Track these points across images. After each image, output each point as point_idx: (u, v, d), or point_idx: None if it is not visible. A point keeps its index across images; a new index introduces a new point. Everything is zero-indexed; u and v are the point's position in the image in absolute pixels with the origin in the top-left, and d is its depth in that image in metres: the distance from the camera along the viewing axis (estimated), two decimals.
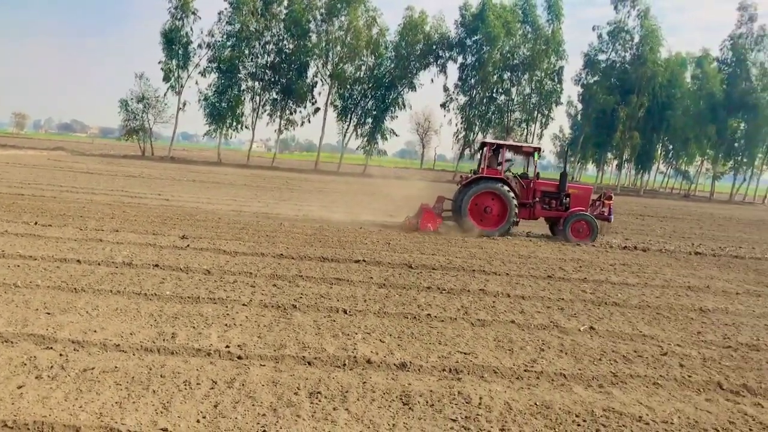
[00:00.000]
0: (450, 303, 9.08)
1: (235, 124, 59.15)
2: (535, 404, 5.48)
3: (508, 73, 61.07)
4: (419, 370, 6.15)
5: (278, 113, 59.59)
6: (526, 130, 63.04)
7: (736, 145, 66.53)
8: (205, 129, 59.28)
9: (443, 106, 61.66)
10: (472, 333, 7.62)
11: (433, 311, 8.48)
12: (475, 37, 59.41)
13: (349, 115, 60.69)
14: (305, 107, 59.84)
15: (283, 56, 58.77)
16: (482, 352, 6.89)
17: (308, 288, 9.36)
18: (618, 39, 61.52)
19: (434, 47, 59.43)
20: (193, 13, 57.77)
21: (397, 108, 60.94)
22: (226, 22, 57.53)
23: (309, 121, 60.53)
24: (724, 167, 68.15)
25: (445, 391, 5.60)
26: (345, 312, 8.11)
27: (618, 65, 62.35)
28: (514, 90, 61.65)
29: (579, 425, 5.14)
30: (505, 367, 6.39)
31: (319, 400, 5.23)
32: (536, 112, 62.14)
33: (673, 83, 63.92)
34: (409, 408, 5.22)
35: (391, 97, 60.53)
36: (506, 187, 17.66)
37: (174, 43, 57.37)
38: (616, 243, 18.01)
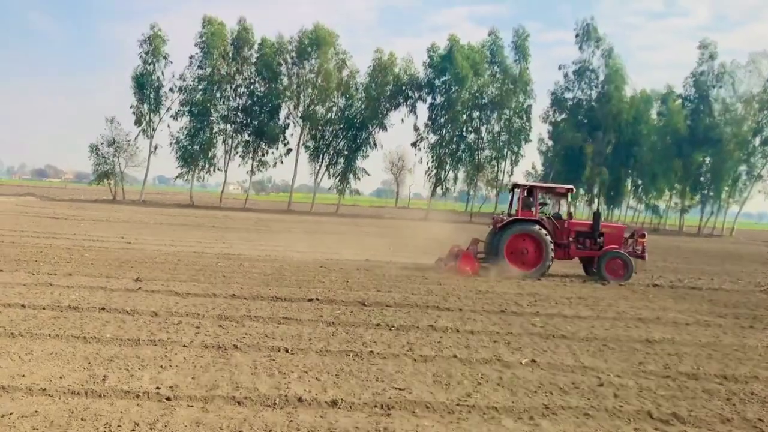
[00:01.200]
0: (396, 340, 9.08)
1: (207, 166, 59.19)
2: None
3: (477, 112, 62.07)
4: (350, 407, 6.13)
5: (250, 155, 59.77)
6: (496, 167, 63.82)
7: (702, 178, 67.76)
8: (177, 172, 59.16)
9: (414, 145, 62.45)
10: (412, 369, 7.62)
11: (377, 348, 8.48)
12: (444, 78, 60.43)
13: (321, 156, 61.10)
14: (277, 148, 60.17)
15: (255, 99, 59.25)
16: (418, 387, 6.89)
17: (254, 328, 9.31)
18: (584, 77, 63.01)
19: (404, 88, 60.32)
20: (165, 57, 58.28)
21: (368, 148, 61.62)
22: (197, 66, 58.10)
23: (281, 162, 60.92)
24: (691, 201, 69.31)
25: (372, 427, 5.59)
26: (286, 351, 8.07)
27: (584, 103, 63.71)
28: (483, 128, 62.68)
29: None
30: (438, 402, 6.39)
31: None
32: (506, 150, 63.02)
33: (639, 120, 65.25)
34: None
35: (362, 137, 61.14)
36: (542, 229, 17.89)
37: (145, 87, 57.61)
38: (574, 276, 18.20)
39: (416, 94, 61.18)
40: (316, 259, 19.25)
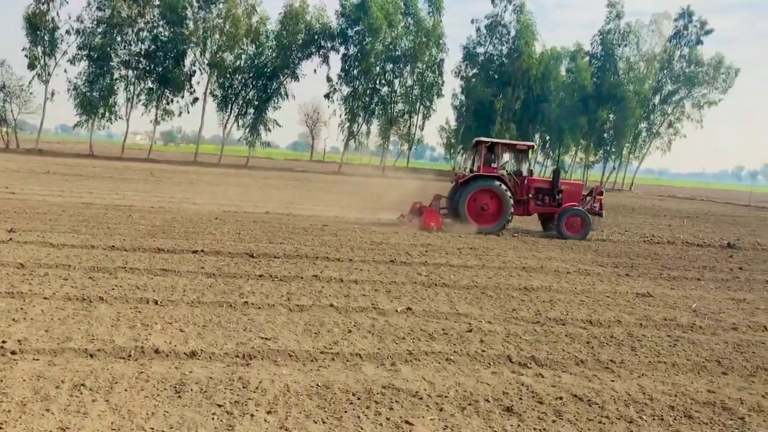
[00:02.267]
0: (276, 290, 8.95)
1: (108, 114, 56.34)
2: (317, 385, 5.45)
3: (391, 65, 61.61)
4: (210, 357, 5.98)
5: (154, 103, 57.30)
6: (409, 121, 63.94)
7: (605, 135, 70.29)
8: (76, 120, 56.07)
9: (327, 96, 61.52)
10: (285, 319, 7.53)
11: (253, 299, 8.33)
12: (357, 28, 59.49)
13: (230, 106, 59.33)
14: (183, 97, 57.91)
15: (159, 44, 56.50)
16: (286, 337, 6.81)
17: (126, 280, 8.95)
18: (495, 33, 63.53)
19: (316, 37, 59.01)
20: None
21: (280, 98, 60.20)
22: (96, 7, 54.59)
23: (188, 112, 58.80)
24: (595, 156, 72.01)
25: (225, 378, 5.47)
26: (156, 303, 7.80)
27: (495, 58, 64.38)
28: (396, 81, 62.35)
29: (351, 403, 5.15)
30: (302, 350, 6.33)
31: (81, 393, 4.95)
32: (419, 104, 63.12)
33: (548, 76, 66.65)
34: (179, 396, 5.04)
35: (273, 87, 59.68)
36: (503, 185, 17.94)
37: (39, 28, 53.84)
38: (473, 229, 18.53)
39: (329, 44, 60.03)
40: (213, 211, 18.77)
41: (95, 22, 54.81)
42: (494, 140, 19.12)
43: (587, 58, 70.21)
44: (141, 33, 56.43)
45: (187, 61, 57.67)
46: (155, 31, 56.70)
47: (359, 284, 9.75)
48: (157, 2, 55.80)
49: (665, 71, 67.53)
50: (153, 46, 56.59)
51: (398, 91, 62.48)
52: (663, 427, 5.12)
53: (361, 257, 12.19)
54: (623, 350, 7.21)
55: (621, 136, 68.39)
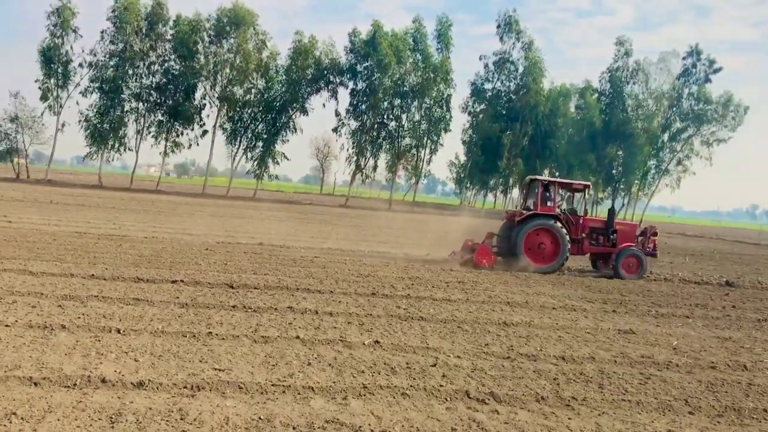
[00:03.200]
0: (245, 321, 8.84)
1: (117, 145, 56.96)
2: (258, 418, 5.32)
3: (399, 100, 62.04)
4: (157, 388, 5.87)
5: (164, 135, 57.88)
6: (416, 155, 64.11)
7: (614, 172, 70.15)
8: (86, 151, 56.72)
9: (335, 130, 61.90)
10: (246, 350, 7.41)
11: (219, 329, 8.22)
12: (366, 64, 60.07)
13: (239, 139, 59.81)
14: (193, 129, 58.48)
15: (170, 77, 57.31)
16: (241, 368, 6.68)
17: (95, 308, 8.88)
18: (503, 69, 64.00)
19: (325, 72, 59.63)
20: (74, 30, 55.58)
21: (288, 132, 60.60)
22: (109, 41, 55.61)
23: (197, 144, 59.31)
24: (603, 193, 71.77)
25: (165, 409, 5.35)
26: (118, 331, 7.72)
27: (503, 94, 64.77)
28: (404, 116, 62.71)
29: None
30: (254, 382, 6.20)
31: (10, 422, 4.86)
32: (426, 139, 63.35)
33: (556, 112, 66.86)
34: (111, 426, 4.93)
35: (282, 120, 60.15)
36: (560, 224, 17.91)
37: (53, 61, 54.85)
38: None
39: (338, 79, 60.60)
40: (206, 242, 18.75)
41: (108, 56, 55.77)
42: (550, 179, 19.12)
43: (596, 95, 70.52)
44: (152, 66, 57.30)
45: (198, 95, 58.43)
46: (166, 65, 57.57)
47: (333, 316, 9.62)
48: (169, 37, 56.77)
49: (674, 109, 67.50)
50: (164, 80, 57.41)
51: (406, 126, 62.78)
52: None
53: (343, 289, 12.07)
54: (590, 387, 7.02)
55: (630, 172, 68.23)
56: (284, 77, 59.41)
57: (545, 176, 18.74)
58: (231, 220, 29.35)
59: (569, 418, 5.95)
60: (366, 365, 7.16)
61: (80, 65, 55.79)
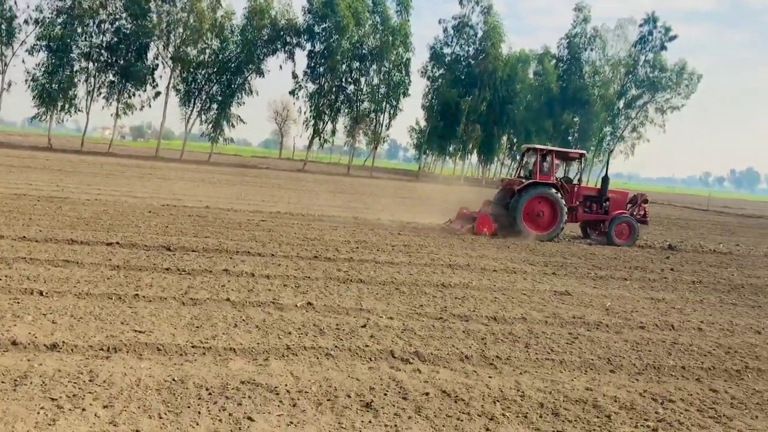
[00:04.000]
0: (177, 284, 8.67)
1: (67, 107, 55.14)
2: (172, 380, 5.22)
3: (357, 63, 61.26)
4: (71, 350, 5.71)
5: (115, 96, 56.26)
6: (375, 120, 63.69)
7: (570, 138, 70.83)
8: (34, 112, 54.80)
9: (292, 93, 60.92)
10: (172, 312, 7.27)
11: (148, 291, 8.05)
12: (324, 25, 59.02)
13: (193, 101, 58.45)
14: (145, 90, 56.90)
15: (121, 36, 55.42)
16: (163, 330, 6.55)
17: (21, 270, 8.60)
18: (462, 33, 63.57)
19: (281, 33, 58.42)
20: None
21: (244, 94, 59.43)
22: None
23: (149, 106, 57.81)
24: None
25: (74, 371, 5.20)
26: (41, 293, 7.49)
27: (462, 59, 64.44)
28: (363, 80, 62.01)
29: (200, 398, 4.92)
30: (173, 344, 6.08)
31: None
32: (385, 103, 62.88)
33: (514, 78, 66.90)
34: (14, 389, 4.77)
35: (237, 82, 58.91)
36: (558, 192, 18.08)
37: None
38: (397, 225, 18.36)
39: (295, 40, 59.48)
40: (151, 204, 18.37)
41: (55, 13, 53.62)
42: (548, 148, 19.25)
43: (554, 61, 70.76)
44: (103, 25, 55.25)
45: (150, 55, 56.68)
46: (117, 24, 55.60)
47: (270, 279, 9.51)
48: None
49: (630, 76, 68.24)
50: (115, 39, 55.46)
51: (364, 90, 62.12)
52: (524, 425, 4.98)
53: (285, 252, 11.95)
54: (516, 347, 7.09)
55: (586, 139, 69.00)
56: (239, 38, 58.02)
57: (542, 145, 18.84)
58: (180, 183, 28.80)
59: (490, 377, 6.00)
60: (294, 327, 7.09)
61: (25, 22, 53.53)
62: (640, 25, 67.89)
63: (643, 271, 13.72)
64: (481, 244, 16.07)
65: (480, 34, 63.76)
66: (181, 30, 55.64)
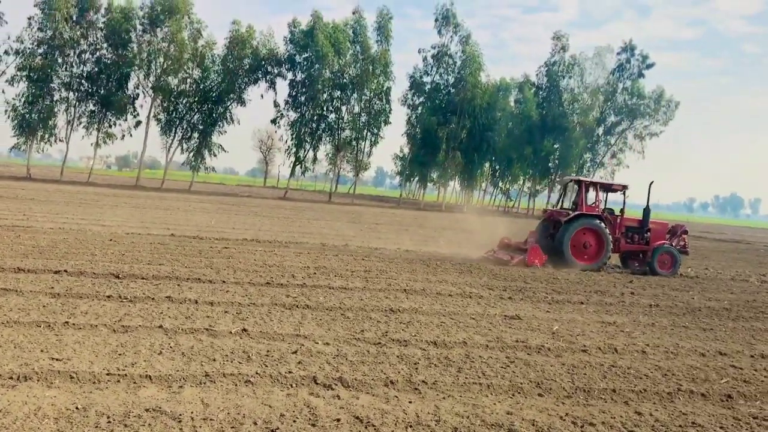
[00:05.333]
0: (113, 311, 8.53)
1: (47, 136, 54.97)
2: (75, 408, 5.11)
3: (339, 92, 61.66)
4: None
5: (96, 126, 56.18)
6: (356, 148, 63.91)
7: (551, 165, 71.40)
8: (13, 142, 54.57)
9: (273, 122, 61.17)
10: (99, 340, 7.14)
11: (79, 319, 7.91)
12: (306, 55, 59.51)
13: (174, 129, 58.50)
14: (126, 120, 56.89)
15: (101, 66, 55.59)
16: (83, 358, 6.42)
17: None
18: (441, 62, 64.18)
19: (263, 62, 58.82)
20: None
21: (225, 123, 59.56)
22: (37, 28, 53.53)
23: (130, 135, 57.74)
24: (539, 185, 73.04)
25: None
26: None
27: (442, 87, 64.98)
28: (344, 108, 62.39)
29: (97, 427, 4.80)
30: (89, 371, 5.96)
31: None
32: (366, 131, 63.18)
33: (494, 106, 67.39)
34: None
35: (218, 111, 59.08)
36: (603, 224, 18.52)
37: None
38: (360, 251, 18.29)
39: (276, 70, 59.86)
40: (115, 232, 18.21)
41: (36, 43, 53.71)
42: (592, 180, 19.66)
43: (534, 89, 71.54)
44: (83, 55, 55.47)
45: (131, 84, 56.86)
46: (98, 54, 55.84)
47: (213, 306, 9.39)
48: (101, 24, 55.06)
49: (608, 103, 69.14)
50: (95, 69, 55.65)
51: (345, 118, 62.47)
52: None
53: (238, 279, 11.83)
54: (447, 371, 7.00)
55: (566, 165, 69.58)
56: (220, 67, 58.39)
57: (587, 177, 19.32)
58: (153, 211, 28.62)
59: (410, 402, 5.90)
60: (222, 353, 6.98)
61: (6, 52, 53.55)
62: (618, 53, 69.17)
63: (602, 295, 13.70)
64: (444, 269, 16.00)
65: (459, 63, 64.35)
66: (161, 60, 55.88)
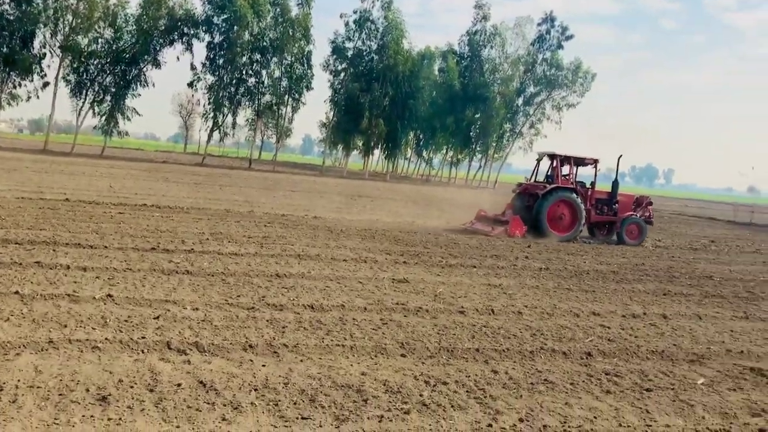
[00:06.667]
0: None
1: None
2: None
3: (258, 55, 60.14)
4: None
5: None
6: (277, 113, 62.79)
7: (472, 134, 72.15)
8: None
9: (190, 85, 59.27)
10: None
11: None
12: (224, 16, 57.64)
13: (85, 92, 55.81)
14: (32, 81, 53.84)
15: (4, 23, 52.21)
16: None
17: None
18: (363, 28, 63.40)
19: (179, 24, 56.65)
20: None
21: (140, 85, 57.25)
22: None
23: (37, 97, 54.61)
24: (460, 155, 73.87)
25: None
26: None
27: (365, 54, 64.31)
28: (264, 72, 60.97)
29: None
30: None
31: None
32: (287, 97, 62.08)
33: (417, 74, 67.12)
34: None
35: (132, 73, 56.72)
36: (578, 197, 19.45)
37: None
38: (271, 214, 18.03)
39: (193, 31, 57.77)
40: (4, 197, 17.22)
41: None
42: (567, 154, 20.23)
43: (456, 59, 71.72)
44: None
45: (36, 43, 53.72)
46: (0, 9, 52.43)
47: (85, 272, 8.97)
48: None
49: (528, 74, 70.19)
50: None
51: (266, 83, 61.13)
52: (269, 413, 4.77)
53: (122, 245, 11.37)
54: (315, 334, 6.91)
55: (486, 135, 70.54)
56: (134, 27, 55.87)
57: (561, 152, 19.87)
58: (55, 176, 27.25)
59: (264, 366, 5.78)
60: (77, 320, 6.65)
61: None
62: (539, 24, 70.04)
63: (497, 260, 13.91)
64: (348, 235, 15.91)
65: (381, 29, 63.74)
66: (70, 18, 52.95)
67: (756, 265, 17.45)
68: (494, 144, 72.04)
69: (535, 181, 21.11)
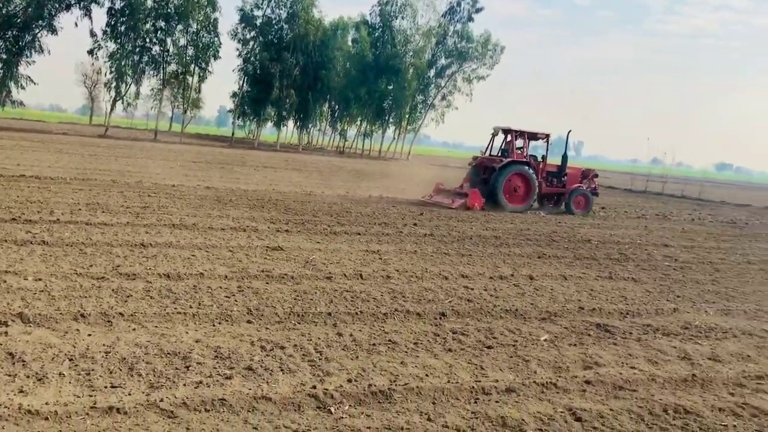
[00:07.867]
0: None
1: None
2: None
3: (163, 22, 57.77)
4: None
5: None
6: (184, 83, 60.73)
7: (384, 106, 72.05)
8: None
9: (90, 53, 56.33)
10: None
11: None
12: None
13: None
14: None
15: None
16: None
17: None
18: None
19: None
20: None
21: (34, 52, 53.99)
22: None
23: None
24: (373, 126, 73.82)
25: None
26: None
27: (274, 22, 62.87)
28: (169, 40, 58.64)
29: None
30: None
31: None
32: (194, 66, 60.05)
33: (329, 45, 66.31)
34: None
35: (25, 39, 53.39)
36: (532, 170, 20.18)
37: None
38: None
39: None
40: None
41: None
42: (521, 129, 20.87)
43: (369, 29, 71.20)
44: None
45: None
46: None
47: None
48: None
49: (440, 46, 70.50)
50: None
51: (171, 51, 58.88)
52: (78, 383, 4.54)
53: (77, 220, 10.95)
54: (159, 303, 6.65)
55: (399, 106, 70.62)
56: None
57: (516, 127, 20.25)
58: None
59: (89, 335, 5.51)
60: None
61: None
62: None
63: (384, 227, 13.90)
64: (236, 205, 15.53)
65: None
66: None
67: (637, 229, 18.23)
68: (407, 116, 72.22)
69: (489, 155, 21.59)
